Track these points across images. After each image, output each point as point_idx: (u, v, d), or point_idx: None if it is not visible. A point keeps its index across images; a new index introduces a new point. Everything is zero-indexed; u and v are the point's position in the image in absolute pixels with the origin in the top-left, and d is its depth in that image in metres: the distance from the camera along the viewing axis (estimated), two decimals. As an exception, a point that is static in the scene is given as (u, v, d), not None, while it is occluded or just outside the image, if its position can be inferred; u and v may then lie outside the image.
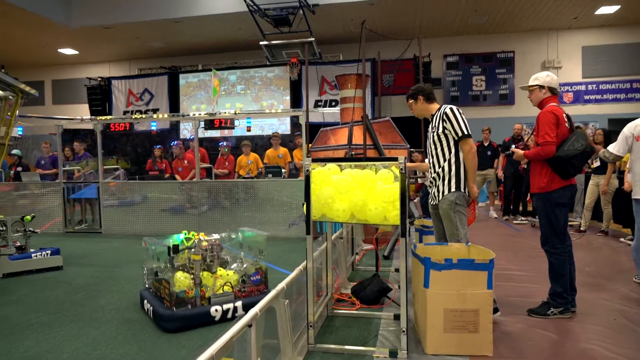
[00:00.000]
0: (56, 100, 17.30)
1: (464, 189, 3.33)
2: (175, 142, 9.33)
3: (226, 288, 3.46)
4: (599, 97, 13.49)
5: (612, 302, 3.74)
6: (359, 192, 2.77)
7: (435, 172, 3.42)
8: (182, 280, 3.41)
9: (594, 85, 13.54)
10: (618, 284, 4.26)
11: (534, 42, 13.65)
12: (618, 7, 11.65)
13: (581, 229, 6.82)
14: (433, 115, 3.48)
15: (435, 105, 3.55)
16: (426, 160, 3.73)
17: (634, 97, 13.31)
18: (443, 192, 3.34)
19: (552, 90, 3.49)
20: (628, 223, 6.69)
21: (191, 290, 3.34)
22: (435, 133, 3.39)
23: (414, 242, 4.73)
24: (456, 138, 3.31)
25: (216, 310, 3.31)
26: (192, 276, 3.40)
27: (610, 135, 6.09)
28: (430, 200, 3.57)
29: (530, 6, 11.64)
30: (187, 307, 3.29)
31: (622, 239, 6.31)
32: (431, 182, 3.51)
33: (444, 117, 3.32)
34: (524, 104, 12.92)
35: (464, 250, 3.13)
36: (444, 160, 3.36)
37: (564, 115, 3.41)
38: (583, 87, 13.60)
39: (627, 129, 4.24)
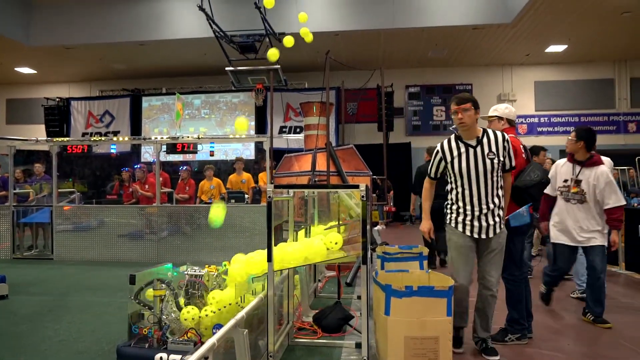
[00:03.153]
0: (10, 120, 16.65)
1: None
2: (139, 165, 9.10)
3: (190, 335, 2.92)
4: (550, 129, 14.23)
5: (567, 328, 3.85)
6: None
7: (491, 201, 3.13)
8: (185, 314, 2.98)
9: (546, 118, 14.29)
10: (572, 310, 4.40)
11: (490, 75, 14.34)
12: (566, 46, 12.45)
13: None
14: (481, 137, 3.18)
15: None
16: (448, 187, 3.32)
17: (583, 130, 14.07)
18: (501, 224, 3.17)
19: (510, 122, 3.65)
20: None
21: (145, 328, 2.96)
22: (496, 159, 3.12)
23: (376, 269, 4.74)
24: (507, 168, 3.22)
25: (161, 359, 2.76)
26: (151, 312, 3.00)
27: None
28: (478, 234, 3.15)
29: (485, 42, 12.27)
30: (143, 346, 2.91)
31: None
32: (484, 214, 3.14)
33: (505, 145, 3.16)
34: (481, 135, 13.42)
35: (424, 277, 3.16)
36: (500, 189, 3.20)
37: (521, 146, 3.55)
38: (536, 120, 14.33)
39: (553, 169, 4.19)
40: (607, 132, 14.02)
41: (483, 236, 3.13)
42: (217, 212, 3.35)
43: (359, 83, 8.63)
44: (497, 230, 3.13)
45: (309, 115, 6.95)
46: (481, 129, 3.21)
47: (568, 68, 14.09)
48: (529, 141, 13.31)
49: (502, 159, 3.13)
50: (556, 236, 4.06)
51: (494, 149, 3.12)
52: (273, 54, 5.04)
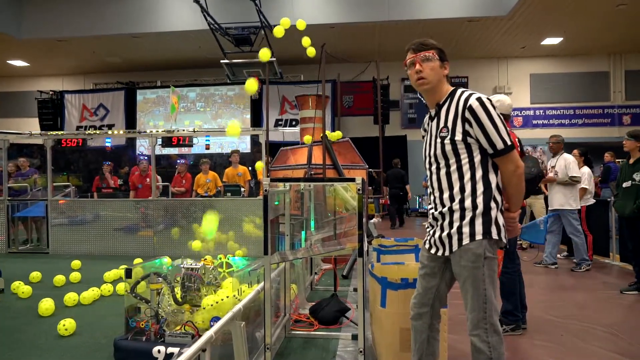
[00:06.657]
0: (3, 114, 16.49)
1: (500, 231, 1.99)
2: (146, 156, 9.03)
3: (187, 328, 2.96)
4: (545, 121, 14.28)
5: (560, 318, 3.89)
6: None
7: (448, 201, 2.03)
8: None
9: (541, 111, 14.33)
10: (564, 300, 4.45)
11: (485, 68, 14.34)
12: (561, 39, 12.46)
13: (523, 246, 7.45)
14: (443, 103, 2.09)
15: (446, 87, 2.13)
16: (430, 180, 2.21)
17: (577, 123, 14.17)
18: (462, 239, 1.97)
19: (503, 115, 3.64)
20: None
21: (142, 321, 2.99)
22: (448, 137, 2.01)
23: (372, 261, 4.76)
24: (491, 152, 2.01)
25: (158, 351, 2.79)
26: (148, 306, 3.02)
27: None
28: (430, 247, 2.14)
29: (481, 35, 12.26)
30: (141, 339, 2.95)
31: (559, 255, 6.57)
32: (436, 219, 2.10)
33: (466, 114, 1.96)
34: (477, 127, 13.50)
35: (420, 269, 3.18)
36: (476, 181, 2.00)
37: (517, 139, 3.55)
38: (531, 112, 14.36)
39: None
40: (602, 125, 14.08)
41: (433, 251, 2.10)
42: (210, 225, 3.37)
43: (354, 76, 8.62)
44: (454, 247, 1.98)
45: (304, 108, 6.94)
46: (450, 89, 2.10)
47: (563, 61, 14.11)
48: (524, 134, 13.38)
49: (459, 136, 1.96)
50: None
51: (450, 121, 2.00)
52: (264, 54, 5.07)
